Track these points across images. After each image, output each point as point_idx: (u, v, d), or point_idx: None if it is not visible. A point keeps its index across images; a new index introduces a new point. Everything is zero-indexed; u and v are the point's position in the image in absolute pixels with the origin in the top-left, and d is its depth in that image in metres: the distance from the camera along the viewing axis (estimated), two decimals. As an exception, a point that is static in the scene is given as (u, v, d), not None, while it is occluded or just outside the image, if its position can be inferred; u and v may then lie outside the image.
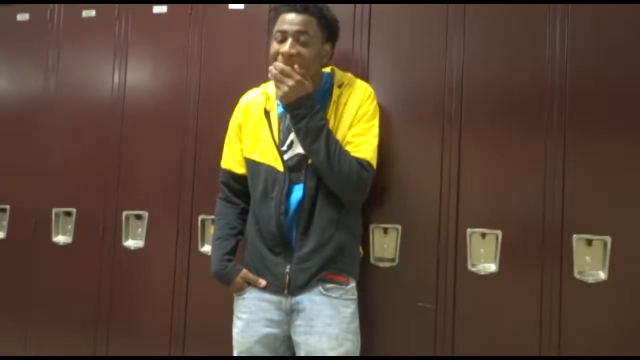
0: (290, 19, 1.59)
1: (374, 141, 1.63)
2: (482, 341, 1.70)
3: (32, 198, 2.23)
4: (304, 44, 1.58)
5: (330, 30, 1.66)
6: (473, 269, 1.71)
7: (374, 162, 1.62)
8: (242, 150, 1.72)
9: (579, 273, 1.62)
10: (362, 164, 1.58)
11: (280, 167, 1.62)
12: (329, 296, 1.57)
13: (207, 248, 1.97)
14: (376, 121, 1.66)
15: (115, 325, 2.09)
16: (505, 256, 1.69)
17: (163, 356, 2.00)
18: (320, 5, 1.62)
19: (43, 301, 2.19)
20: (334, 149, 1.55)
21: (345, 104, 1.64)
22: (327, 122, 1.58)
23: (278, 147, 1.63)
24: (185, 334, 1.99)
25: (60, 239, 2.19)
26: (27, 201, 2.24)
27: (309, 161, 1.59)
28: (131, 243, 2.09)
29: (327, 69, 1.74)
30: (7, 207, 2.27)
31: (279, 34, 1.60)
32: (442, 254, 1.74)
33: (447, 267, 1.73)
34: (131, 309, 2.09)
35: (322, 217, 1.59)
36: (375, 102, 1.67)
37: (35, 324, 2.20)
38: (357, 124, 1.62)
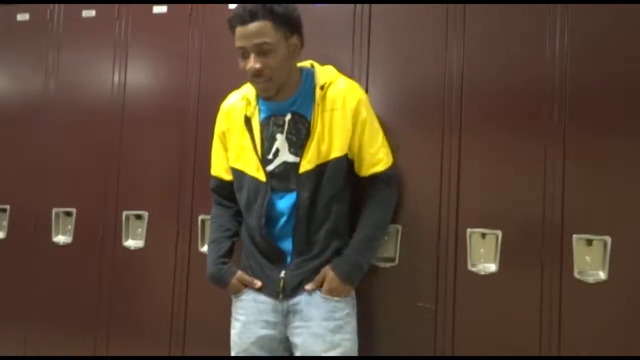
0: (244, 33, 1.49)
1: (383, 142, 1.66)
2: (482, 341, 1.70)
3: (32, 198, 2.23)
4: (266, 53, 1.50)
5: (289, 23, 1.53)
6: (473, 269, 1.71)
7: (391, 160, 1.66)
8: (227, 158, 1.70)
9: (579, 273, 1.62)
10: (388, 179, 1.65)
11: (262, 177, 1.60)
12: (325, 297, 1.57)
13: (207, 248, 1.97)
14: (375, 121, 1.66)
15: (115, 325, 2.09)
16: (505, 256, 1.69)
17: (163, 356, 2.00)
18: (268, 4, 1.50)
19: (43, 301, 2.19)
20: (377, 230, 1.64)
21: (332, 110, 1.58)
22: (363, 259, 1.61)
23: (260, 157, 1.60)
24: (185, 334, 1.99)
25: (60, 239, 2.19)
26: (27, 201, 2.24)
27: (300, 170, 1.58)
28: (131, 243, 2.09)
29: (307, 64, 1.69)
30: (7, 207, 2.27)
31: (239, 50, 1.52)
32: (442, 254, 1.73)
33: (447, 267, 1.73)
34: (131, 309, 2.09)
35: (322, 230, 1.60)
36: (366, 102, 1.65)
37: (35, 324, 2.20)
38: (364, 135, 1.61)
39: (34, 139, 2.24)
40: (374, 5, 1.85)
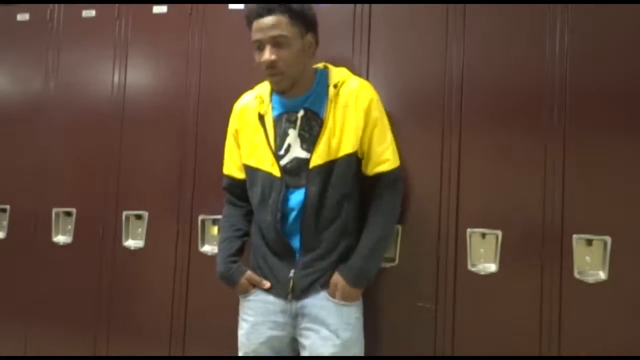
0: (261, 26, 1.54)
1: (392, 141, 1.66)
2: (482, 341, 1.70)
3: (32, 198, 2.23)
4: (282, 46, 1.53)
5: (305, 20, 1.57)
6: (473, 269, 1.71)
7: (397, 162, 1.66)
8: (240, 156, 1.71)
9: (579, 273, 1.62)
10: (393, 182, 1.64)
11: (277, 172, 1.60)
12: (334, 300, 1.57)
13: (207, 248, 1.97)
14: (386, 120, 1.67)
15: (115, 325, 2.09)
16: (505, 256, 1.69)
17: (163, 356, 2.01)
18: (283, 2, 1.54)
19: (43, 301, 2.19)
20: (382, 235, 1.62)
21: (345, 107, 1.60)
22: (368, 265, 1.60)
23: (274, 152, 1.61)
24: (185, 334, 1.99)
25: (60, 239, 2.19)
26: (27, 201, 2.24)
27: (310, 165, 1.58)
28: (131, 243, 2.09)
29: (320, 65, 1.71)
30: (7, 207, 2.27)
31: (255, 43, 1.56)
32: (442, 254, 1.74)
33: (447, 267, 1.73)
34: (131, 309, 2.08)
35: (330, 227, 1.60)
36: (378, 102, 1.66)
37: (35, 324, 2.20)
38: (374, 134, 1.62)
39: (34, 139, 2.24)
40: (374, 5, 1.85)
